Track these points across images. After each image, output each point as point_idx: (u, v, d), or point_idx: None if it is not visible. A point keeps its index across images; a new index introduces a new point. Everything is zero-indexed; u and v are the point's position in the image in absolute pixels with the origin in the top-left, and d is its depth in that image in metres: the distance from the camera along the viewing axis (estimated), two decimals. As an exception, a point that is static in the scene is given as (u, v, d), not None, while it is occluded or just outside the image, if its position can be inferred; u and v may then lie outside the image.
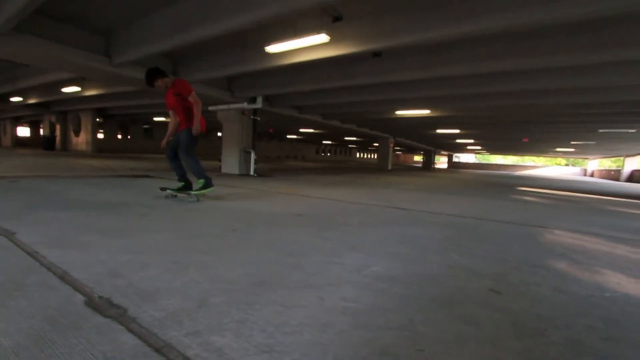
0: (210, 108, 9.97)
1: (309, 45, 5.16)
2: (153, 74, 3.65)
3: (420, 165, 38.84)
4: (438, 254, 2.08)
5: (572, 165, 43.51)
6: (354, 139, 28.25)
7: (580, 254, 2.27)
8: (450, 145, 30.20)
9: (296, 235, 2.39)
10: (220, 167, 10.07)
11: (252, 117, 9.87)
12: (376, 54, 6.56)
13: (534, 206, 5.29)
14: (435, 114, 11.41)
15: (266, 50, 5.50)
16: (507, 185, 11.03)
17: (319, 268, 1.70)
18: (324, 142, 36.90)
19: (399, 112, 11.65)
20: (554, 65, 5.76)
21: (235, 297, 1.29)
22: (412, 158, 59.87)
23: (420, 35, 4.54)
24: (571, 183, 16.29)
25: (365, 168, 20.77)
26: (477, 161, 53.15)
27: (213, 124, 13.00)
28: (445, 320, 1.21)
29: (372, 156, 53.36)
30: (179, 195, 3.82)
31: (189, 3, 4.76)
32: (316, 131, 21.59)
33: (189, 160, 3.69)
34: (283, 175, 9.97)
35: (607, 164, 36.38)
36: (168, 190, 3.82)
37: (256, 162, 9.69)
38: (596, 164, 36.23)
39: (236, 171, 9.52)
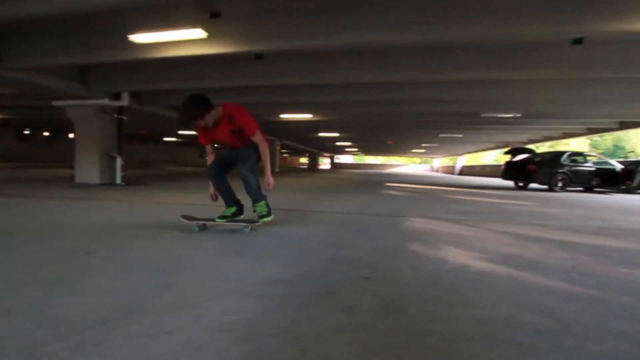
0: (56, 103, 8.07)
1: (184, 39, 4.73)
2: (201, 107, 2.55)
3: (306, 166, 40.78)
4: (321, 251, 2.19)
5: (424, 163, 53.24)
6: (241, 141, 27.52)
7: (429, 236, 2.76)
8: (332, 148, 32.78)
9: (171, 249, 2.14)
10: (73, 176, 8.23)
11: (116, 116, 8.44)
12: (258, 56, 6.53)
13: (398, 199, 6.21)
14: (317, 118, 12.16)
15: (130, 39, 4.77)
16: (377, 182, 12.64)
17: (196, 283, 1.55)
18: (208, 145, 34.64)
19: (284, 116, 11.93)
20: (404, 80, 6.93)
21: (80, 340, 1.04)
22: (299, 160, 62.40)
23: (295, 42, 4.74)
24: (423, 178, 19.89)
25: (253, 171, 20.48)
26: (354, 162, 59.31)
27: (59, 123, 10.53)
28: (325, 313, 1.27)
29: (260, 159, 53.07)
30: (225, 224, 2.84)
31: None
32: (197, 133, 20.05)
33: (254, 179, 2.81)
34: (159, 182, 8.88)
35: (447, 161, 45.80)
36: (217, 219, 2.82)
37: (124, 168, 8.33)
38: (440, 162, 45.32)
39: (96, 180, 7.95)
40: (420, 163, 54.17)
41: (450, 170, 37.30)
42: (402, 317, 1.27)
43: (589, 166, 10.19)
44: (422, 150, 31.59)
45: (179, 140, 27.72)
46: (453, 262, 2.03)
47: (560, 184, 9.90)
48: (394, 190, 8.64)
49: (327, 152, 39.85)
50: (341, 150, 37.37)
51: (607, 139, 32.49)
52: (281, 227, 3.01)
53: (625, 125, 12.44)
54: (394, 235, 2.77)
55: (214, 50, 5.00)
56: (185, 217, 2.80)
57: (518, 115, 11.01)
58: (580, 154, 10.85)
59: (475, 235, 2.88)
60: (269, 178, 2.78)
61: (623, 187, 9.64)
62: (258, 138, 2.77)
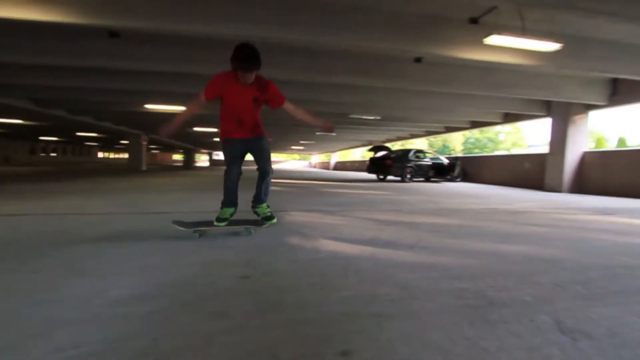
0: None
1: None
2: (259, 58, 2.32)
3: (181, 164, 37.15)
4: (194, 255, 2.02)
5: (303, 159, 56.20)
6: (94, 135, 22.88)
7: (306, 228, 2.91)
8: (210, 144, 30.82)
9: (-24, 276, 1.58)
10: None
11: None
12: (113, 34, 5.52)
13: (278, 194, 6.34)
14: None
15: None
16: (254, 178, 12.59)
17: (13, 319, 1.19)
18: (44, 138, 27.44)
19: (150, 106, 10.50)
20: (281, 78, 7.10)
21: None
22: (171, 157, 56.36)
23: (160, 24, 4.22)
24: (302, 173, 20.95)
25: (112, 170, 17.31)
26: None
27: None
28: (195, 322, 1.17)
29: (122, 155, 45.44)
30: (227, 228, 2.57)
31: None
32: (28, 122, 15.61)
33: (270, 177, 2.73)
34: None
35: (323, 158, 49.47)
36: (217, 224, 2.58)
37: None
38: (317, 158, 48.60)
39: None
40: (299, 159, 56.89)
41: (326, 165, 40.49)
42: (279, 310, 1.28)
43: (427, 161, 12.74)
44: (301, 147, 33.20)
45: (-6, 130, 20.91)
46: (326, 250, 2.19)
47: (409, 176, 12.08)
48: (274, 186, 8.78)
49: (205, 148, 37.28)
50: (220, 147, 35.61)
51: (438, 139, 41.39)
52: (143, 236, 2.64)
53: (449, 129, 16.09)
54: (274, 230, 2.80)
55: (41, 16, 3.94)
56: (177, 222, 2.49)
57: (378, 117, 12.86)
58: (421, 151, 13.44)
59: (345, 224, 3.19)
60: (320, 122, 2.76)
61: (448, 177, 12.47)
62: (289, 106, 2.67)
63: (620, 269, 1.89)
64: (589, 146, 9.12)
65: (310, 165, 48.59)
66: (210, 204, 4.47)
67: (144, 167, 19.47)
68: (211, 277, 1.63)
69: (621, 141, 30.25)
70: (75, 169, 18.90)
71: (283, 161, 50.59)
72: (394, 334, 1.12)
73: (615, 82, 7.85)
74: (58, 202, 4.34)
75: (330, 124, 2.76)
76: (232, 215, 2.68)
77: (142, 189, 6.72)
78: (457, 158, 12.94)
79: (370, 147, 14.90)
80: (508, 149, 38.09)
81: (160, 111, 11.10)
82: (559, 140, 9.06)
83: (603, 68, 5.87)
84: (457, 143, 42.53)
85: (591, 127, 10.80)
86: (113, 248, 2.14)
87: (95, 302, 1.32)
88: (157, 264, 1.82)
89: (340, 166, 35.08)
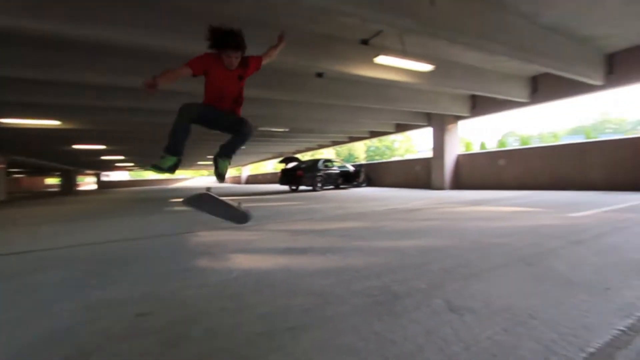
0: None
1: None
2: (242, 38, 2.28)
3: (57, 189, 31.04)
4: (74, 299, 1.68)
5: (212, 175, 53.27)
6: None
7: (216, 248, 2.73)
8: (96, 163, 26.59)
9: None
10: None
11: None
12: (-60, 29, 4.33)
13: (184, 214, 5.82)
14: (69, 126, 9.51)
15: None
16: (161, 199, 11.40)
17: None
18: None
19: (8, 120, 8.52)
20: (189, 91, 6.63)
21: None
22: (44, 181, 46.63)
23: (21, 21, 3.51)
24: (212, 190, 19.75)
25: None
26: (131, 178, 50.95)
27: None
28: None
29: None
30: None
31: None
32: None
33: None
34: None
35: (234, 172, 47.80)
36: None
37: None
38: (228, 172, 46.62)
39: None
40: (208, 175, 53.66)
41: (237, 180, 39.14)
42: (185, 345, 1.15)
43: (335, 170, 13.49)
44: (209, 163, 31.41)
45: None
46: (239, 268, 2.09)
47: (319, 185, 12.57)
48: (179, 205, 8.05)
49: (90, 168, 31.98)
50: (111, 166, 31.04)
51: (344, 149, 44.40)
52: (17, 275, 2.09)
53: (352, 139, 17.41)
54: (180, 255, 2.55)
55: None
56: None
57: (287, 129, 13.09)
58: (330, 160, 14.17)
59: (258, 238, 3.11)
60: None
61: (355, 183, 13.43)
62: (266, 58, 2.70)
63: (491, 247, 2.30)
64: (461, 150, 11.09)
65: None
66: (97, 234, 3.82)
67: (1, 197, 15.59)
68: (101, 323, 1.37)
69: (482, 145, 37.62)
70: None
71: (189, 178, 46.88)
72: (309, 344, 1.12)
73: (474, 97, 9.71)
74: None
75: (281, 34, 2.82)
76: (173, 167, 2.40)
77: (11, 224, 5.34)
78: (361, 165, 14.08)
79: (281, 158, 15.03)
80: (402, 155, 43.22)
81: (24, 126, 9.10)
82: (439, 146, 10.72)
83: (465, 86, 7.20)
84: (361, 151, 46.35)
85: (462, 134, 13.22)
86: (-51, 306, 1.63)
87: None
88: (21, 317, 1.45)
89: (252, 179, 34.38)
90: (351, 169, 13.77)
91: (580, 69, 6.20)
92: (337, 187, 13.51)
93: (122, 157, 22.24)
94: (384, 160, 17.81)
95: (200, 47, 2.44)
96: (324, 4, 3.45)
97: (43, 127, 9.42)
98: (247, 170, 37.56)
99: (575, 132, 44.21)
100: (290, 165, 13.56)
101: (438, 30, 4.22)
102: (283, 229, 3.64)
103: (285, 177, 13.15)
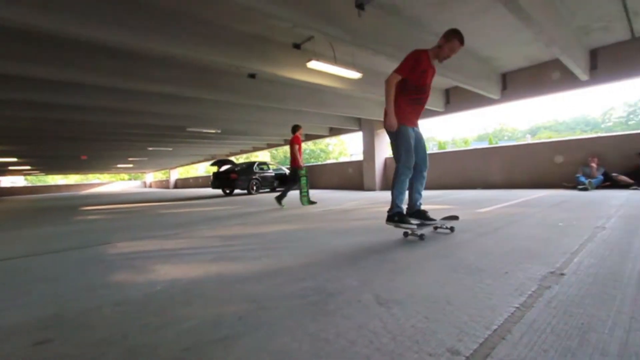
0: None
1: None
2: None
3: None
4: (-57, 332, 1.36)
5: (135, 179, 48.22)
6: None
7: (139, 260, 2.48)
8: (-21, 166, 22.00)
9: None
10: None
11: None
12: None
13: (98, 224, 5.16)
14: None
15: None
16: (69, 207, 9.93)
17: None
18: None
19: None
20: (104, 84, 5.91)
21: None
22: None
23: None
24: (133, 195, 17.93)
25: None
26: (29, 184, 43.41)
27: None
28: None
29: None
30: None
31: None
32: None
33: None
34: None
35: (160, 176, 44.04)
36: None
37: None
38: (152, 176, 42.73)
39: None
40: (130, 179, 48.48)
41: (165, 184, 36.14)
42: (97, 370, 1.02)
43: (271, 172, 13.35)
44: (130, 165, 28.37)
45: None
46: (164, 280, 1.92)
47: (255, 188, 12.30)
48: (93, 214, 7.11)
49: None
50: (2, 171, 25.96)
51: (280, 151, 44.22)
52: None
53: (287, 142, 17.41)
54: (90, 271, 2.24)
55: None
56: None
57: (219, 131, 12.52)
58: (265, 163, 13.97)
59: (187, 246, 2.91)
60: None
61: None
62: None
63: (414, 243, 2.51)
64: (388, 153, 11.98)
65: (145, 185, 42.18)
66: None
67: None
68: (-21, 358, 1.13)
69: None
70: None
71: (107, 183, 41.61)
72: (243, 352, 1.08)
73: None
74: None
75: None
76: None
77: None
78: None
79: (213, 161, 14.31)
80: (336, 158, 44.74)
81: None
82: (369, 149, 11.36)
83: (391, 94, 7.74)
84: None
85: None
86: None
87: None
88: None
89: (182, 183, 32.10)
90: (287, 171, 13.77)
91: (483, 84, 7.18)
92: (273, 190, 13.38)
93: (16, 160, 18.79)
94: (319, 163, 18.18)
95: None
96: (250, 3, 3.38)
97: None
98: (176, 174, 34.91)
99: (480, 138, 51.05)
100: (223, 168, 13.01)
101: (364, 41, 4.49)
102: (215, 234, 3.46)
103: (218, 180, 12.58)
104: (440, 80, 8.04)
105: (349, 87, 6.83)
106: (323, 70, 5.87)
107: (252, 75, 7.12)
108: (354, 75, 6.12)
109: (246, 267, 2.10)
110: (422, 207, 2.93)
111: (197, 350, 1.11)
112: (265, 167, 13.43)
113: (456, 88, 8.89)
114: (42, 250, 3.03)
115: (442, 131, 76.34)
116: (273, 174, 13.29)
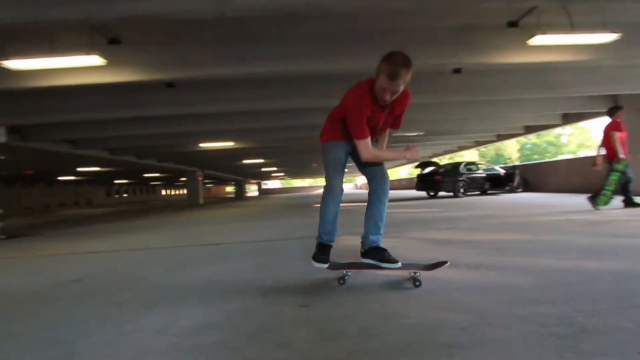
0: None
1: (77, 66, 4.21)
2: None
3: (233, 195, 39.29)
4: (251, 283, 2.07)
5: (348, 182, 56.12)
6: (157, 175, 25.27)
7: (358, 252, 2.85)
8: (258, 174, 32.31)
9: (71, 312, 1.78)
10: None
11: (-12, 155, 6.97)
12: (170, 85, 6.20)
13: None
14: (239, 145, 11.92)
15: (4, 66, 4.05)
16: (306, 205, 12.80)
17: (105, 348, 1.30)
18: (117, 181, 30.97)
19: (203, 145, 11.41)
20: (314, 106, 7.35)
21: None
22: (224, 189, 59.78)
23: (208, 70, 4.66)
24: (348, 195, 20.84)
25: (173, 206, 18.84)
26: (282, 186, 59.31)
27: None
28: (260, 353, 1.18)
29: (182, 192, 49.26)
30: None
31: None
32: (104, 169, 17.79)
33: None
34: (55, 230, 7.50)
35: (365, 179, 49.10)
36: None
37: (2, 217, 6.83)
38: (362, 179, 48.23)
39: (-40, 236, 6.33)
40: (344, 182, 57.01)
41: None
42: (342, 340, 1.25)
43: (481, 173, 11.98)
44: (345, 170, 33.36)
45: (79, 178, 24.09)
46: (383, 274, 2.11)
47: (462, 190, 11.40)
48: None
49: (254, 178, 39.12)
50: (268, 176, 37.12)
51: (490, 149, 38.96)
52: (204, 265, 2.78)
53: (501, 137, 15.12)
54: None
55: (115, 78, 4.58)
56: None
57: (421, 133, 12.53)
58: (473, 163, 12.71)
59: (398, 246, 3.07)
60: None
61: (507, 188, 11.54)
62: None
63: None
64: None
65: (356, 187, 48.34)
66: (264, 233, 4.62)
67: (201, 201, 20.86)
68: (274, 306, 1.65)
69: None
70: (142, 207, 20.84)
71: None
72: (469, 366, 1.02)
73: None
74: (130, 240, 4.79)
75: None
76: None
77: (201, 222, 7.18)
78: (515, 167, 12.02)
79: (416, 163, 14.46)
80: (574, 152, 34.52)
81: (212, 148, 12.00)
82: (637, 136, 7.98)
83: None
84: (512, 150, 39.59)
85: None
86: (177, 280, 2.29)
87: (171, 332, 1.40)
88: (217, 295, 1.90)
89: (387, 185, 34.33)
90: (501, 171, 11.93)
91: None
92: (483, 193, 11.96)
93: (275, 168, 26.26)
94: (548, 160, 14.62)
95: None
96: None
97: (223, 147, 12.14)
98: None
99: None
100: (427, 170, 12.86)
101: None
102: (424, 237, 3.48)
103: (422, 182, 12.55)
104: None
105: (594, 56, 5.11)
106: (552, 43, 4.68)
107: (457, 70, 6.66)
108: (606, 38, 4.52)
109: (462, 276, 1.98)
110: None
111: (420, 349, 1.15)
112: (473, 167, 12.22)
113: None
114: (292, 237, 4.06)
115: None
116: (484, 175, 11.87)
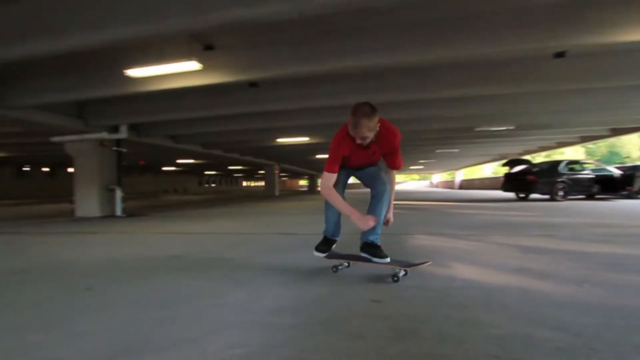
0: (55, 139, 8.14)
1: (179, 71, 4.85)
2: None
3: (305, 189, 40.80)
4: (323, 276, 2.14)
5: (423, 179, 53.42)
6: (239, 167, 27.66)
7: (435, 253, 2.71)
8: (330, 169, 32.83)
9: (172, 282, 2.08)
10: (73, 210, 8.19)
11: (114, 148, 8.51)
12: (253, 84, 6.68)
13: (399, 217, 6.15)
14: (313, 140, 12.29)
15: (126, 74, 4.88)
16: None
17: (198, 316, 1.50)
18: (207, 172, 34.87)
19: (280, 140, 12.06)
20: (397, 100, 7.08)
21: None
22: (298, 183, 62.48)
23: (290, 69, 4.88)
24: (423, 194, 19.86)
25: (252, 196, 20.45)
26: (352, 181, 59.28)
27: (58, 159, 10.59)
28: (334, 341, 1.21)
29: (260, 184, 53.22)
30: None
31: (21, 6, 3.74)
32: (197, 161, 20.22)
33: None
34: (160, 212, 8.83)
35: (446, 176, 45.94)
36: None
37: (124, 200, 8.30)
38: (439, 177, 45.46)
39: (97, 213, 7.91)
40: (419, 179, 54.36)
41: (449, 184, 37.34)
42: (415, 340, 1.21)
43: (587, 174, 10.20)
44: (420, 167, 31.76)
45: (178, 169, 27.88)
46: (461, 278, 1.97)
47: (561, 193, 9.86)
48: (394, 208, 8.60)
49: (325, 173, 39.89)
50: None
51: (601, 146, 32.86)
52: (282, 253, 2.96)
53: (616, 132, 12.61)
54: (400, 255, 2.71)
55: (209, 80, 5.13)
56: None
57: (511, 127, 11.17)
58: (577, 162, 10.92)
59: (481, 250, 2.83)
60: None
61: (624, 192, 9.61)
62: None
63: None
64: None
65: (432, 185, 45.72)
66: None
67: (277, 193, 22.21)
68: (344, 299, 1.68)
69: None
70: (226, 196, 23.10)
71: (402, 182, 49.39)
72: (568, 392, 0.90)
73: None
74: (217, 225, 5.35)
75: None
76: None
77: (277, 212, 7.65)
78: (635, 167, 9.93)
79: (504, 161, 12.98)
80: None
81: (288, 143, 12.61)
82: None
83: None
84: (633, 147, 32.73)
85: None
86: (259, 264, 2.48)
87: (253, 309, 1.54)
88: (293, 281, 2.01)
89: (467, 184, 31.73)
90: (616, 172, 9.98)
91: None
92: (590, 197, 10.18)
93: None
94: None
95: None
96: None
97: (298, 143, 12.65)
98: (461, 175, 35.05)
99: None
100: (517, 168, 11.45)
101: None
102: (511, 243, 3.13)
103: (511, 182, 11.24)
104: None
105: None
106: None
107: (560, 54, 5.73)
108: None
109: (559, 290, 1.73)
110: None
111: (506, 363, 1.04)
112: (577, 166, 10.48)
113: None
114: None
115: None
116: (591, 176, 10.08)
